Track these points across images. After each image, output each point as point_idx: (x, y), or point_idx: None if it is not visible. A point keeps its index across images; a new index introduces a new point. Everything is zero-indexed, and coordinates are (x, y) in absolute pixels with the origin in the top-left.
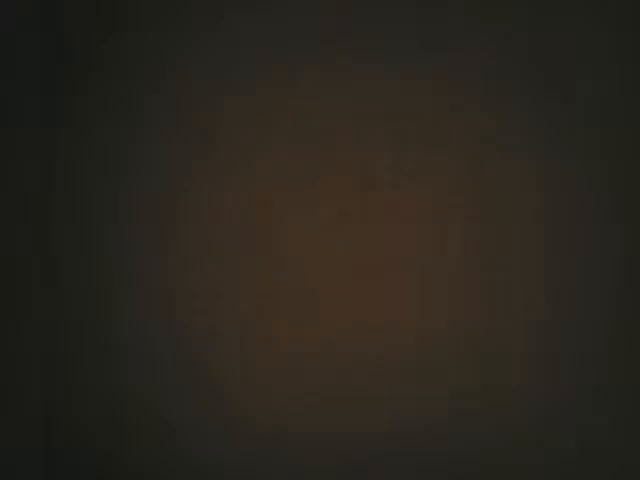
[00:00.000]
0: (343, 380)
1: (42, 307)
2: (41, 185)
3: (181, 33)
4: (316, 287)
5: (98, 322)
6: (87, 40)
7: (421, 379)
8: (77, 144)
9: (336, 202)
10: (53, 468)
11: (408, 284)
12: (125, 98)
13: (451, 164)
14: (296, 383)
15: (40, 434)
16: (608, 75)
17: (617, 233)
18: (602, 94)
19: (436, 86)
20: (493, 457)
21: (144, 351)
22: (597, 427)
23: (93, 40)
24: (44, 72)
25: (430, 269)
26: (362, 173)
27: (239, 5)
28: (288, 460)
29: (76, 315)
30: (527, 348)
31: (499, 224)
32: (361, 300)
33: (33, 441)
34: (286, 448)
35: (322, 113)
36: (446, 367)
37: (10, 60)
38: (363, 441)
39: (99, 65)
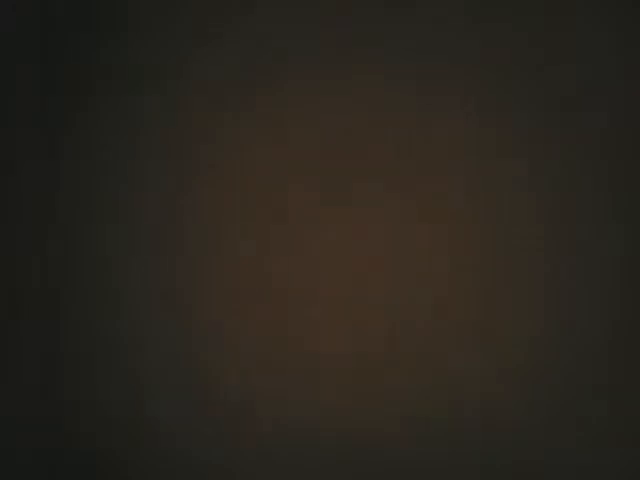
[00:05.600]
0: (343, 380)
1: (42, 307)
2: (41, 185)
3: (181, 34)
4: (316, 287)
5: (98, 322)
6: (87, 40)
7: (422, 379)
8: (77, 144)
9: (336, 202)
10: (53, 468)
11: (407, 284)
12: (125, 98)
13: (451, 164)
14: (296, 383)
15: (40, 434)
16: (608, 75)
17: (617, 233)
18: (603, 95)
19: (436, 86)
20: (493, 457)
21: (144, 351)
22: (597, 427)
23: (93, 40)
24: (44, 72)
25: (429, 269)
26: (362, 173)
27: (239, 5)
28: (288, 460)
29: (76, 315)
30: (527, 348)
31: (499, 224)
32: (361, 300)
33: (33, 441)
34: (286, 448)
35: (322, 113)
36: (446, 367)
37: (10, 60)
38: (363, 441)
39: (99, 65)
